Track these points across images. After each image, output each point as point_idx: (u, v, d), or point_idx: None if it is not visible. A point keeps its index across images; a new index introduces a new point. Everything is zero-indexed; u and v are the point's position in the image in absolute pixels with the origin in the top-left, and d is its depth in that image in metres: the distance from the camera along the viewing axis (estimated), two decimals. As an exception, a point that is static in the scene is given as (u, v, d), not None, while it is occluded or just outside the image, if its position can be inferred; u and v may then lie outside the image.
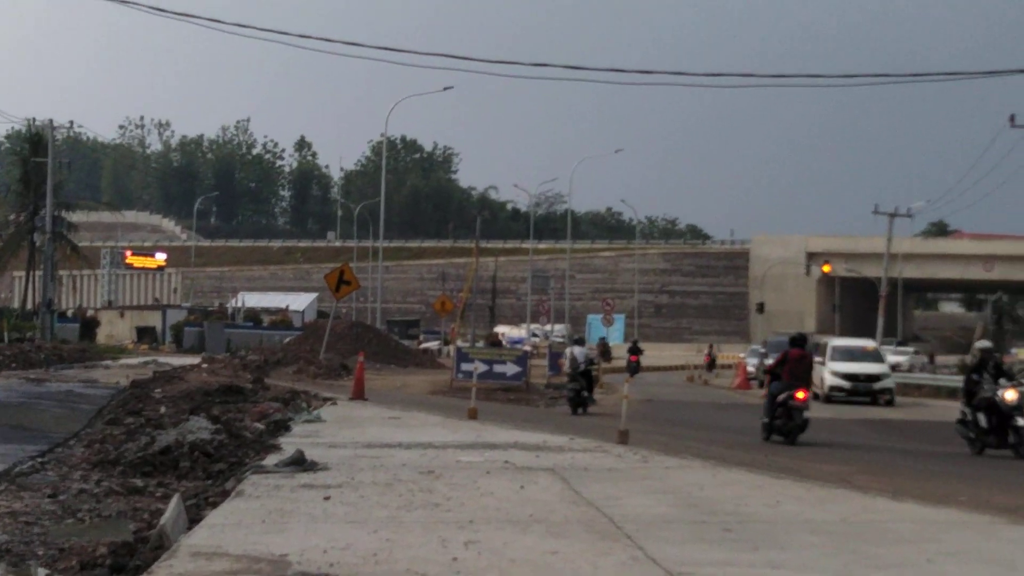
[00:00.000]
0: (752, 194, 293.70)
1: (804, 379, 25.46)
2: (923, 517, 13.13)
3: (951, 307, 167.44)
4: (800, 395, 24.93)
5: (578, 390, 33.05)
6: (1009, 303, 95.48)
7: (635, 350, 64.55)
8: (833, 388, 41.72)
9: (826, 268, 79.72)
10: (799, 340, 27.59)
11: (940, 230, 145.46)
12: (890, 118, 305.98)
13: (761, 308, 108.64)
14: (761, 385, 43.68)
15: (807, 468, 18.33)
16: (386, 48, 55.51)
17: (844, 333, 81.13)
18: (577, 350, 34.62)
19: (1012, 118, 51.18)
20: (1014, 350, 68.12)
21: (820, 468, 18.54)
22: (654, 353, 79.06)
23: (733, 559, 10.21)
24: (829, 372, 41.67)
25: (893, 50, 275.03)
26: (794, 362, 25.71)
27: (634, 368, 60.99)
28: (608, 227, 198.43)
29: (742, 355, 63.97)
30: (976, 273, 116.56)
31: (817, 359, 35.97)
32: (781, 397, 25.07)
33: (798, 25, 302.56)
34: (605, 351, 61.58)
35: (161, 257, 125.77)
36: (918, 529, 12.20)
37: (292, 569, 9.46)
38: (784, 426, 25.08)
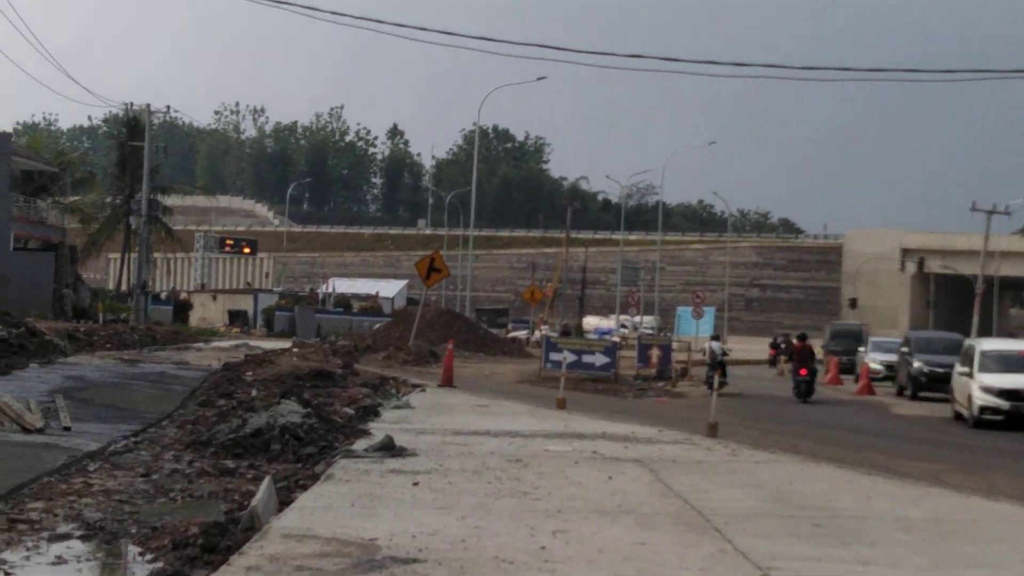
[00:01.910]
0: (846, 188, 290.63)
1: (805, 362, 39.24)
2: (1018, 517, 12.98)
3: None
4: (802, 372, 38.97)
5: (711, 376, 37.19)
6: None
7: (805, 355, 58.14)
8: (985, 409, 29.93)
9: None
10: (803, 336, 42.25)
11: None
12: (990, 113, 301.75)
13: (854, 303, 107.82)
14: (885, 380, 47.56)
15: (899, 465, 18.18)
16: (481, 38, 55.59)
17: (939, 329, 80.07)
18: (715, 344, 43.15)
19: None
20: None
21: (912, 466, 18.38)
22: (744, 347, 78.58)
23: (823, 554, 10.15)
24: (978, 388, 30.19)
25: (996, 43, 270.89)
26: (800, 351, 39.97)
27: (806, 387, 53.14)
28: (699, 220, 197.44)
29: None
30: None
31: (962, 369, 31.25)
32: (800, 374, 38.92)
33: (894, 20, 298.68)
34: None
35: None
36: (1012, 529, 12.07)
37: (381, 553, 9.52)
38: (797, 391, 39.04)
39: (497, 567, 9.19)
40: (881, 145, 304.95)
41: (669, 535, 10.82)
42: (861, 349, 56.46)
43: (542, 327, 74.79)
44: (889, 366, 48.85)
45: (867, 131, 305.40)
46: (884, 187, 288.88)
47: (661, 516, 11.88)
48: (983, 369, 30.63)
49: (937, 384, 38.10)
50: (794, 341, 43.68)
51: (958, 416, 31.56)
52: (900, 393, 41.98)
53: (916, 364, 39.86)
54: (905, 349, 42.78)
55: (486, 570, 9.07)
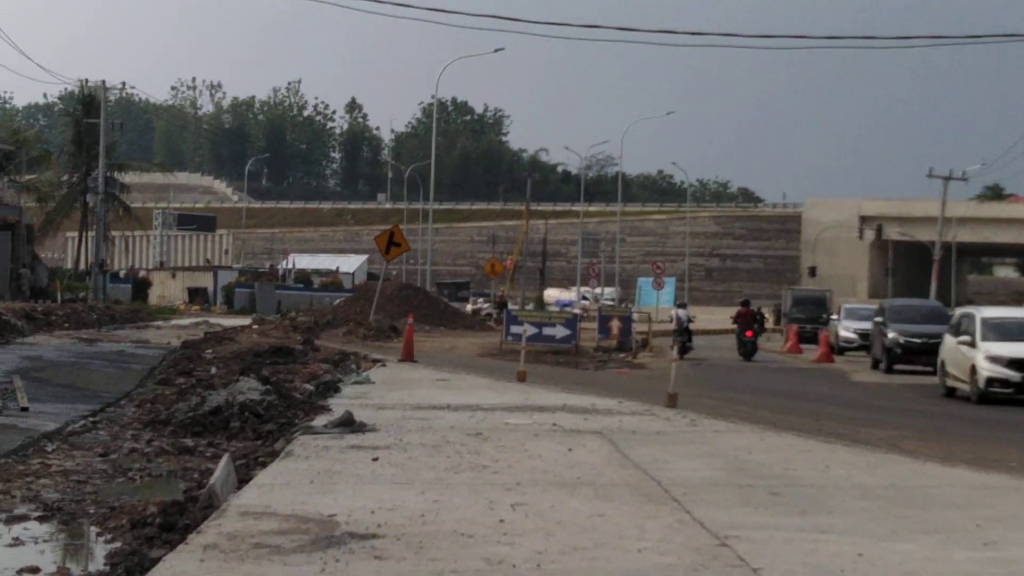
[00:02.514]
0: (804, 157, 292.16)
1: (749, 324, 45.04)
2: (973, 482, 13.07)
3: (1006, 271, 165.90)
4: (748, 334, 44.78)
5: (684, 342, 42.61)
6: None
7: (750, 319, 56.03)
8: (992, 381, 27.22)
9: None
10: (746, 302, 47.39)
11: (996, 194, 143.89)
12: (945, 80, 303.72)
13: (813, 272, 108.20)
14: (859, 350, 47.48)
15: (857, 433, 18.26)
16: (436, 9, 55.22)
17: (896, 295, 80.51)
18: (681, 312, 47.23)
19: None
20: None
21: (871, 433, 18.47)
22: (704, 316, 78.79)
23: (780, 523, 10.20)
24: (984, 358, 27.54)
25: (948, 10, 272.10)
26: (744, 316, 45.37)
27: (749, 347, 52.21)
28: (659, 190, 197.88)
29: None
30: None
31: (961, 339, 28.30)
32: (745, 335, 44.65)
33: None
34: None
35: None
36: (968, 494, 12.15)
37: (340, 529, 9.51)
38: (742, 350, 44.63)
39: (456, 541, 9.20)
40: (839, 113, 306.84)
41: (628, 506, 10.85)
42: (834, 317, 55.46)
43: (505, 302, 74.70)
44: (863, 334, 46.74)
45: (825, 99, 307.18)
46: (842, 155, 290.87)
47: (620, 487, 11.91)
48: (986, 338, 28.10)
49: (914, 356, 36.32)
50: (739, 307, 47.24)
51: (951, 391, 29.10)
52: (875, 366, 39.07)
53: (891, 335, 37.04)
54: (879, 319, 39.67)
55: (445, 544, 9.07)
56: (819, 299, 66.07)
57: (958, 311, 33.36)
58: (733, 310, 49.69)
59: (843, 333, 49.90)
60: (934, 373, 32.77)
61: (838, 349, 49.13)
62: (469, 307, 79.43)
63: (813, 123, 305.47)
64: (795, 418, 20.48)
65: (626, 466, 13.36)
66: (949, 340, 29.71)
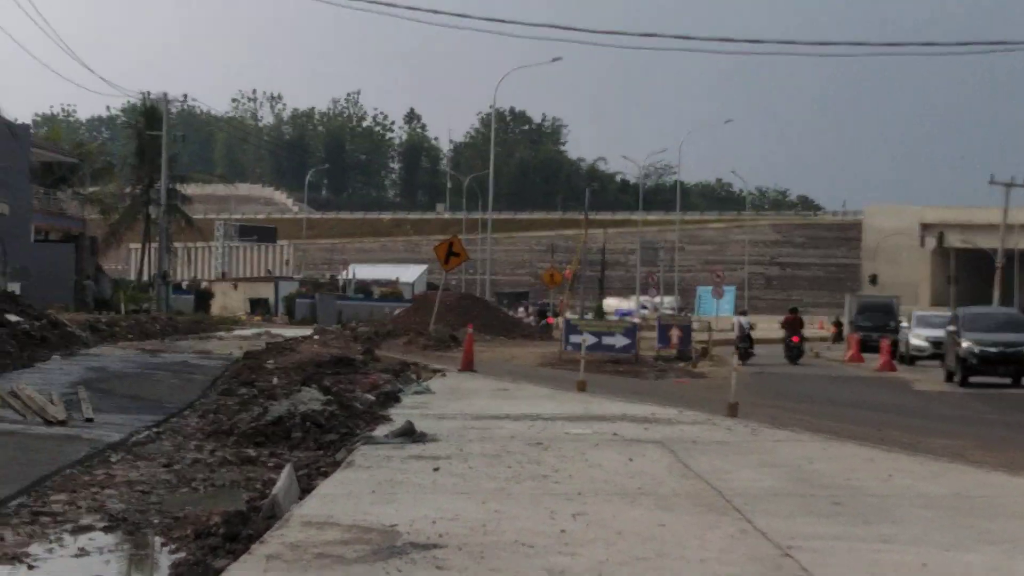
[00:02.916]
0: (865, 165, 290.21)
1: (796, 330, 48.92)
2: (1038, 492, 12.96)
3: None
4: (795, 339, 48.70)
5: (744, 348, 47.35)
6: None
7: (797, 324, 52.22)
8: None
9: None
10: (794, 309, 52.40)
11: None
12: (1007, 85, 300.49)
13: (874, 280, 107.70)
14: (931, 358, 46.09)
15: (920, 442, 18.15)
16: (494, 19, 55.43)
17: (960, 303, 79.84)
18: (743, 319, 51.95)
19: None
20: None
21: (933, 443, 18.34)
22: (764, 325, 78.48)
23: (843, 533, 10.14)
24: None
25: (1010, 15, 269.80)
26: (791, 322, 49.62)
27: (796, 351, 50.72)
28: (718, 198, 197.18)
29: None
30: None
31: None
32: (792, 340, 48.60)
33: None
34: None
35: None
36: (1033, 504, 12.05)
37: (401, 539, 9.54)
38: (788, 354, 47.96)
39: (517, 551, 9.20)
40: (898, 119, 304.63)
41: (689, 516, 10.82)
42: (904, 324, 53.39)
43: (564, 312, 74.70)
44: (936, 343, 44.70)
45: (884, 106, 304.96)
46: (902, 162, 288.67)
47: (681, 497, 11.88)
48: None
49: (991, 366, 33.87)
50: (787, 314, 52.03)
51: None
52: (949, 378, 36.32)
53: (965, 344, 34.10)
54: (952, 327, 36.55)
55: (506, 554, 9.08)
56: (887, 306, 63.44)
57: None
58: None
59: (914, 341, 48.48)
60: (1013, 385, 32.34)
61: (909, 359, 48.12)
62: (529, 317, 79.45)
63: (872, 130, 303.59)
64: (857, 427, 20.38)
65: (687, 476, 13.32)
66: None
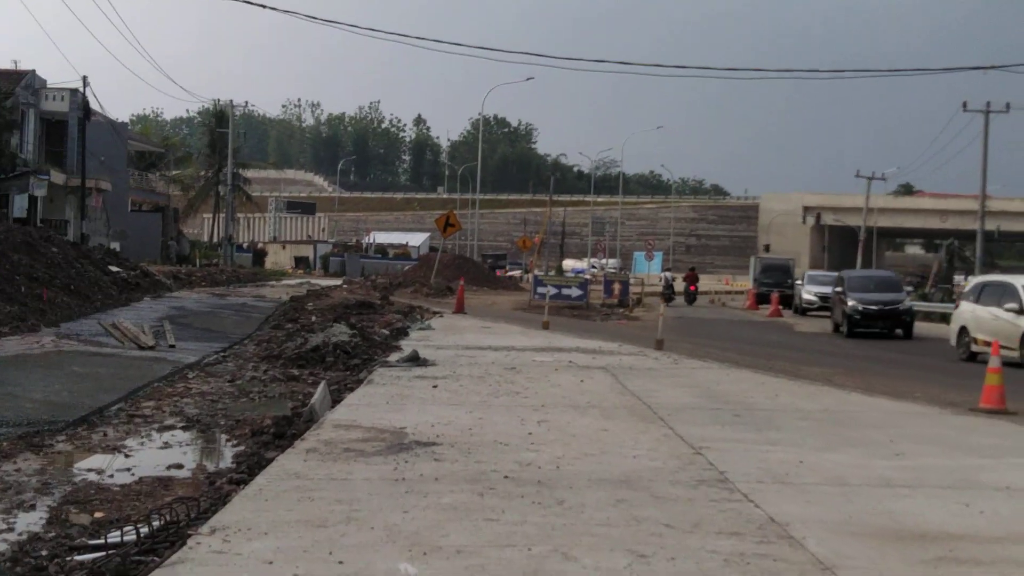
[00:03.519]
0: (764, 159, 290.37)
1: (694, 282, 52.83)
2: (888, 408, 13.02)
3: (915, 249, 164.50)
4: (692, 288, 52.44)
5: (668, 295, 49.56)
6: (959, 246, 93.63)
7: (693, 279, 54.95)
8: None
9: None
10: (692, 268, 56.11)
11: (907, 190, 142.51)
12: (872, 102, 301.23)
13: (767, 248, 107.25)
14: (819, 310, 43.23)
15: (799, 370, 18.21)
16: (483, 48, 55.32)
17: (831, 268, 79.88)
18: (667, 275, 54.78)
19: (964, 104, 53.37)
20: (956, 280, 67.28)
21: (809, 370, 18.42)
22: (682, 283, 78.62)
23: (741, 437, 10.19)
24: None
25: (870, 45, 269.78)
26: (690, 276, 53.24)
27: (692, 296, 53.55)
28: (651, 185, 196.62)
29: (751, 286, 62.15)
30: (934, 223, 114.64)
31: (1008, 307, 21.15)
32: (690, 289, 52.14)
33: (784, 27, 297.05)
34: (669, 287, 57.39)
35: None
36: (884, 417, 12.11)
37: (408, 438, 9.56)
38: (687, 299, 51.36)
39: (495, 447, 9.23)
40: (791, 126, 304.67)
41: (626, 424, 10.86)
42: (798, 282, 50.22)
43: (533, 270, 74.56)
44: (823, 297, 42.72)
45: (780, 114, 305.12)
46: (791, 159, 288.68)
47: (620, 409, 11.91)
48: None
49: (872, 321, 31.56)
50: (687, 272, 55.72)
51: (972, 356, 22.77)
52: (836, 330, 33.50)
53: (851, 303, 31.94)
54: (839, 288, 34.24)
55: (487, 449, 9.11)
56: (784, 266, 59.38)
57: (975, 280, 26.57)
58: (706, 277, 50.43)
59: (806, 296, 45.82)
60: (889, 336, 30.96)
61: (801, 310, 45.90)
62: (511, 274, 79.24)
63: (772, 135, 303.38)
64: (752, 358, 20.44)
65: (624, 394, 13.36)
66: (971, 307, 23.43)
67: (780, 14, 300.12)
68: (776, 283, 53.80)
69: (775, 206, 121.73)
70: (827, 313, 39.87)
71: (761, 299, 51.01)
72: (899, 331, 31.67)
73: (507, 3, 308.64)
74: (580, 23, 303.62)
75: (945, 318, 40.19)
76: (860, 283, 33.80)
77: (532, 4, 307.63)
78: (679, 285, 55.39)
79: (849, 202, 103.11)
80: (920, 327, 34.74)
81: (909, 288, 48.63)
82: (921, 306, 42.62)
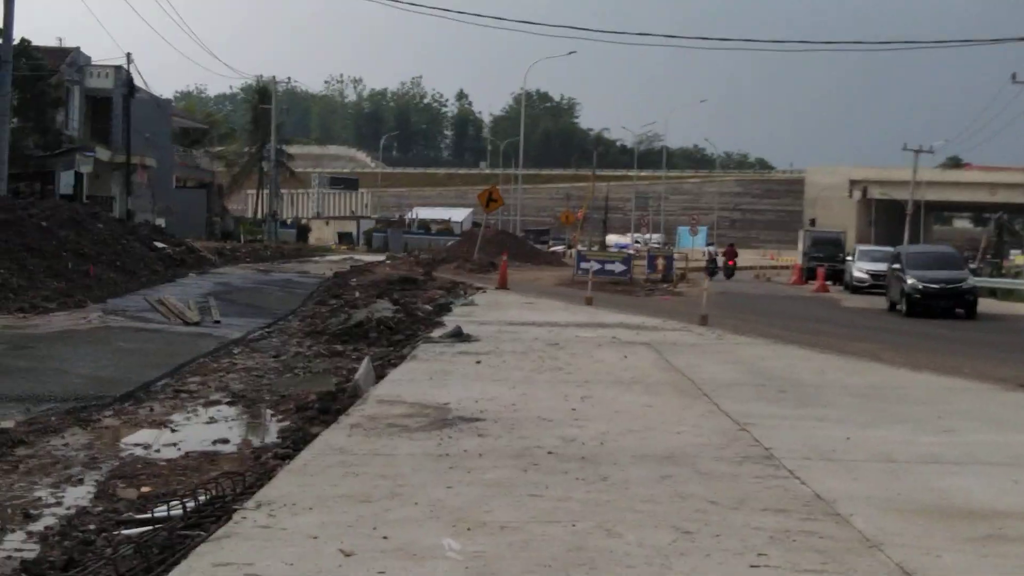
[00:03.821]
0: (809, 133, 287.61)
1: (733, 257, 53.80)
2: (936, 384, 12.90)
3: (963, 223, 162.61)
4: (731, 262, 53.16)
5: (712, 269, 50.18)
6: (1008, 220, 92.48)
7: (732, 254, 56.16)
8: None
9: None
10: (731, 244, 56.95)
11: (955, 163, 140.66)
12: (920, 74, 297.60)
13: (813, 223, 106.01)
14: (871, 288, 40.20)
15: (845, 346, 18.08)
16: (525, 21, 55.03)
17: (878, 243, 79.16)
18: (711, 249, 59.87)
19: (1014, 76, 52.91)
20: (1012, 256, 66.44)
21: (856, 346, 18.28)
22: (721, 258, 78.31)
23: (786, 413, 10.14)
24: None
25: (917, 16, 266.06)
26: (729, 252, 54.04)
27: (730, 271, 54.27)
28: (695, 160, 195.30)
29: (797, 260, 61.44)
30: (982, 196, 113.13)
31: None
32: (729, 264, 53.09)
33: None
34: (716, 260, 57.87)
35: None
36: (931, 393, 12.00)
37: (452, 414, 9.58)
38: (727, 274, 51.69)
39: (539, 423, 9.24)
40: (837, 100, 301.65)
41: (670, 399, 10.83)
42: (848, 258, 46.75)
43: (577, 245, 74.50)
44: (875, 275, 40.02)
45: (826, 86, 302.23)
46: (837, 131, 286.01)
47: (664, 385, 11.88)
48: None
49: (933, 300, 29.37)
50: (727, 246, 57.40)
51: None
52: (892, 308, 31.45)
53: (910, 281, 29.69)
54: (896, 265, 31.72)
55: (531, 425, 9.11)
56: (836, 240, 56.25)
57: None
58: (750, 252, 50.01)
59: (856, 273, 42.73)
60: (952, 317, 28.73)
61: (852, 288, 42.88)
62: (551, 248, 79.11)
63: (816, 107, 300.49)
64: (798, 334, 20.32)
65: (668, 370, 13.32)
66: None
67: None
68: (827, 257, 51.71)
69: (821, 180, 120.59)
70: (880, 292, 37.39)
71: (808, 275, 50.43)
72: (960, 311, 29.64)
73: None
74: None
75: (994, 293, 39.77)
76: (919, 259, 31.55)
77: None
78: (720, 260, 55.42)
79: (896, 176, 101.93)
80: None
81: (972, 266, 45.77)
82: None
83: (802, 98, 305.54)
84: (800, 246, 59.65)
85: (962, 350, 19.23)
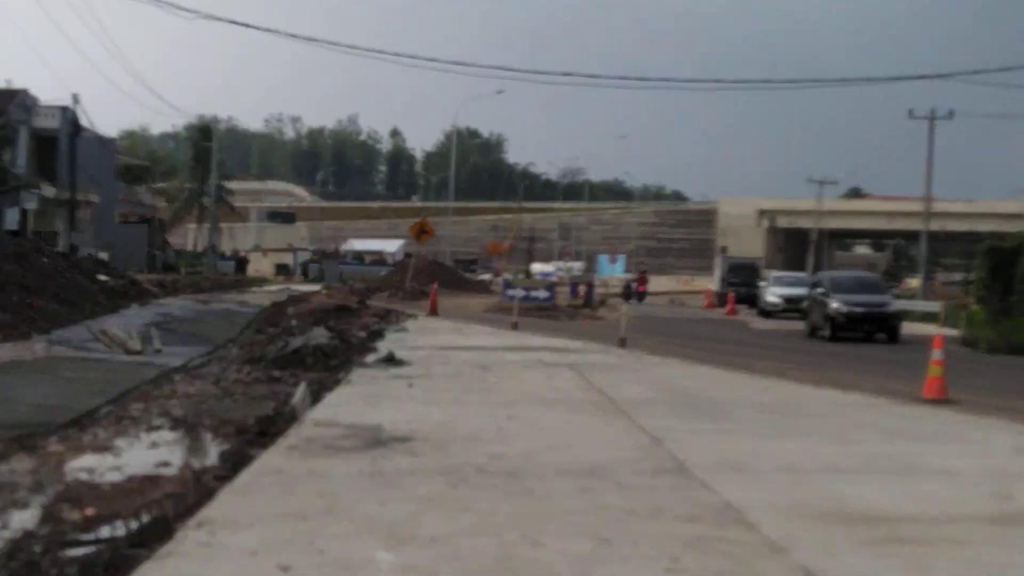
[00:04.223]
0: (722, 167, 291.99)
1: (644, 283, 56.44)
2: (836, 399, 13.14)
3: (863, 249, 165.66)
4: (640, 288, 55.31)
5: (628, 295, 52.56)
6: (905, 246, 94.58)
7: (643, 280, 59.26)
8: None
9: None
10: (643, 271, 59.71)
11: (856, 193, 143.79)
12: (824, 109, 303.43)
13: (724, 250, 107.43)
14: (784, 312, 40.59)
15: (753, 365, 18.32)
16: (457, 62, 55.45)
17: (785, 269, 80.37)
18: (628, 277, 60.06)
19: (910, 112, 53.58)
20: (906, 279, 67.85)
21: (763, 365, 18.53)
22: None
23: (699, 428, 10.26)
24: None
25: (820, 55, 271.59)
26: (640, 278, 56.98)
27: (640, 296, 56.35)
28: (615, 192, 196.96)
29: (710, 286, 62.25)
30: (881, 224, 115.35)
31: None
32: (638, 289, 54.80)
33: (738, 39, 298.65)
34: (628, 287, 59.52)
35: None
36: (833, 408, 12.21)
37: (385, 434, 9.56)
38: (639, 299, 52.74)
39: (468, 442, 9.25)
40: (747, 134, 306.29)
41: (591, 417, 10.90)
42: (762, 283, 46.14)
43: (503, 274, 74.63)
44: (788, 299, 40.09)
45: (734, 123, 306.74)
46: (747, 165, 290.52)
47: (586, 404, 11.96)
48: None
49: (857, 324, 28.70)
50: (639, 273, 60.76)
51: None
52: (812, 333, 30.34)
53: (834, 304, 28.86)
54: (820, 289, 30.78)
55: (460, 444, 9.12)
56: (752, 266, 55.90)
57: None
58: (666, 278, 50.45)
59: (770, 299, 42.18)
60: (871, 340, 28.18)
61: (765, 312, 42.21)
62: (479, 277, 79.21)
63: (728, 142, 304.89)
64: (710, 355, 20.55)
65: (590, 389, 13.41)
66: None
67: (738, 25, 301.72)
68: (744, 282, 51.45)
69: (732, 210, 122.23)
70: (791, 315, 38.02)
71: (721, 300, 50.87)
72: (882, 335, 28.88)
73: (474, 19, 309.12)
74: (543, 35, 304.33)
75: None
76: (843, 284, 30.60)
77: (499, 19, 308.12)
78: (632, 286, 56.95)
79: (802, 205, 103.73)
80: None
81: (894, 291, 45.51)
82: None
83: (715, 132, 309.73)
84: (717, 272, 59.28)
85: (862, 367, 19.59)
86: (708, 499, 7.13)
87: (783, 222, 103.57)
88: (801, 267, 72.24)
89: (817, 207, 77.21)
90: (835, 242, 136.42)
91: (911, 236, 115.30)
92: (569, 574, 5.38)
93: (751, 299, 47.11)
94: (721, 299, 50.66)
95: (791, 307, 38.89)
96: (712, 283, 45.89)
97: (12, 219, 46.01)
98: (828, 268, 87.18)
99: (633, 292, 55.25)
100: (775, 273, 47.43)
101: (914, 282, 64.75)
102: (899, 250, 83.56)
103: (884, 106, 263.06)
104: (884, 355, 23.04)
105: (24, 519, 7.87)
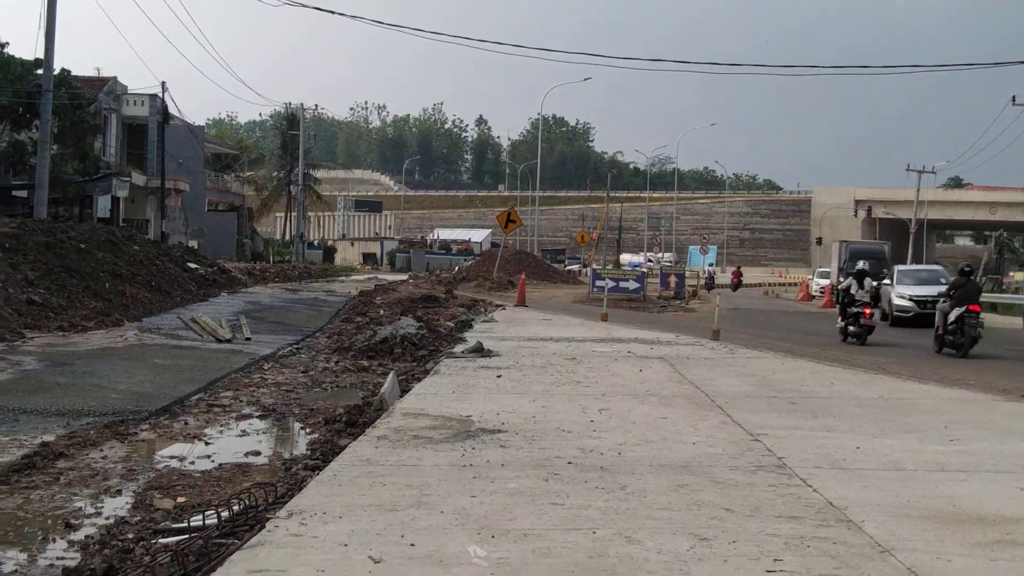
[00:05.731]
0: (816, 155, 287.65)
1: (739, 277, 61.15)
2: (941, 395, 12.81)
3: (963, 241, 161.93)
4: (734, 279, 57.21)
5: (710, 285, 52.68)
6: (1008, 238, 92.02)
7: (738, 273, 66.12)
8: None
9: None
10: (738, 267, 58.55)
11: (956, 183, 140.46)
12: (924, 97, 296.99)
13: (819, 241, 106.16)
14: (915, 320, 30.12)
15: (853, 359, 17.98)
16: (543, 48, 55.10)
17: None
18: (710, 269, 60.79)
19: (1013, 99, 52.71)
20: (1012, 273, 66.02)
21: (863, 359, 18.17)
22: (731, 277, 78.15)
23: (797, 424, 10.08)
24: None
25: (923, 41, 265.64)
26: (736, 273, 62.26)
27: (736, 286, 62.13)
28: (705, 181, 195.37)
29: (809, 276, 61.14)
30: (983, 215, 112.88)
31: None
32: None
33: (836, 25, 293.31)
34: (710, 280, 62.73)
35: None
36: (937, 404, 11.91)
37: (474, 426, 9.55)
38: (733, 289, 52.80)
39: (559, 435, 9.20)
40: (843, 122, 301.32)
41: (684, 411, 10.78)
42: (886, 282, 32.02)
43: (592, 264, 74.43)
44: (920, 302, 29.83)
45: (833, 111, 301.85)
46: (843, 153, 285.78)
47: (678, 398, 11.83)
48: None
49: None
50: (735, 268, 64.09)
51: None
52: (941, 350, 21.27)
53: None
54: (951, 291, 21.64)
55: (551, 437, 9.08)
56: (878, 251, 44.44)
57: None
58: (760, 269, 49.67)
59: (897, 301, 30.75)
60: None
61: (892, 319, 30.72)
62: (567, 268, 79.14)
63: (823, 129, 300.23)
64: (807, 348, 20.22)
65: (683, 382, 13.27)
66: None
67: (829, 12, 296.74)
68: (870, 273, 42.38)
69: (827, 200, 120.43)
70: (928, 324, 26.75)
71: (838, 297, 47.18)
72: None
73: (568, 6, 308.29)
74: (638, 21, 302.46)
75: (995, 308, 39.48)
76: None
77: (593, 6, 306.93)
78: (724, 278, 59.27)
79: (900, 195, 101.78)
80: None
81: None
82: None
83: (810, 120, 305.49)
84: (833, 262, 49.49)
85: (964, 362, 19.09)
86: (810, 497, 6.98)
87: (881, 212, 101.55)
88: (900, 261, 70.79)
89: (916, 196, 75.46)
90: (935, 234, 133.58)
91: (1015, 227, 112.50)
92: (666, 573, 5.29)
93: (875, 298, 36.43)
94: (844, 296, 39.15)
95: (926, 312, 29.14)
96: (814, 275, 39.10)
97: (103, 207, 47.08)
98: (928, 262, 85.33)
99: (715, 284, 59.24)
100: (901, 267, 35.49)
101: (1020, 275, 62.98)
102: (1002, 242, 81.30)
103: (987, 93, 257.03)
104: (987, 349, 22.43)
105: (117, 507, 8.01)
